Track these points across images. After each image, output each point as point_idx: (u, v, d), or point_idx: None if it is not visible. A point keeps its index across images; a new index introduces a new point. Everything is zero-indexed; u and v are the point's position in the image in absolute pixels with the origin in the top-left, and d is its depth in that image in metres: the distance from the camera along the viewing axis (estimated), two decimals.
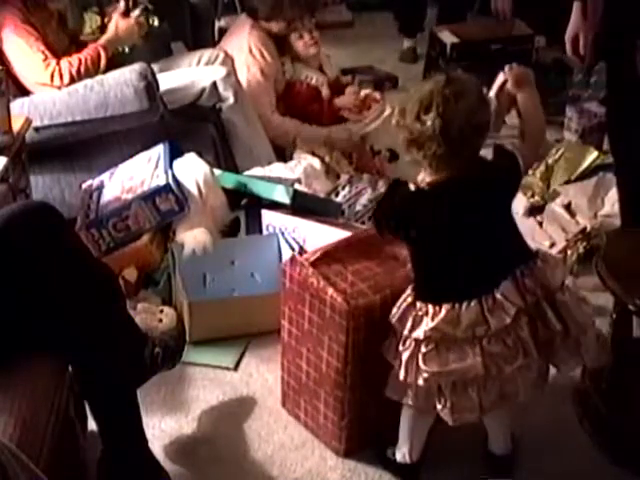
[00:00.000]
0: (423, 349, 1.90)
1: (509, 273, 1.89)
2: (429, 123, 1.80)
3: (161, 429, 2.32)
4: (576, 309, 1.95)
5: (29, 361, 1.84)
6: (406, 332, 1.92)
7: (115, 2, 3.35)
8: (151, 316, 2.63)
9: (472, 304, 1.87)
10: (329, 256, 2.17)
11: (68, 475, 1.95)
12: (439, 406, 1.95)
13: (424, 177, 1.90)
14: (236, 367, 2.56)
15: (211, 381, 2.51)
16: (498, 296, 1.88)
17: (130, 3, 3.30)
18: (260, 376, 2.52)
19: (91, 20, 3.40)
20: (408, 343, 1.93)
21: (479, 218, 1.89)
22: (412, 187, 1.90)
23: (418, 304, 1.92)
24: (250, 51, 3.56)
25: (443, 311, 1.88)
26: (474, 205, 1.88)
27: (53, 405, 1.83)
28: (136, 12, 3.29)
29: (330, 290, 2.06)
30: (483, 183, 1.90)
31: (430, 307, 1.89)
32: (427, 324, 1.89)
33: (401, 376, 1.94)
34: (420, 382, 1.92)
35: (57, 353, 1.91)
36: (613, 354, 2.20)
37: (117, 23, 3.25)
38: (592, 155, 3.44)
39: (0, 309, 1.82)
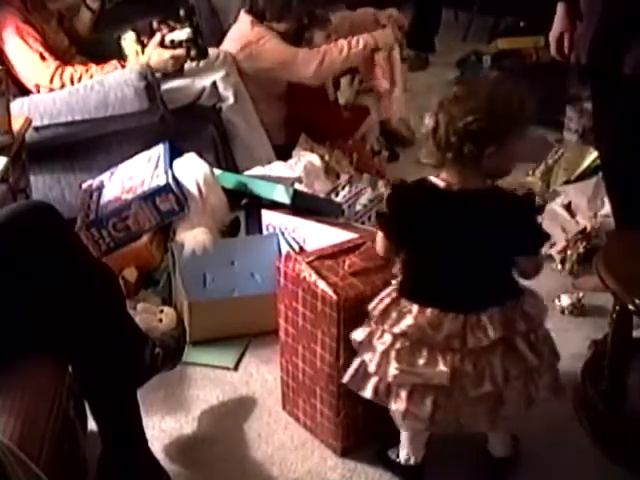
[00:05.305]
0: (398, 345, 1.91)
1: (498, 303, 1.91)
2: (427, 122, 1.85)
3: (161, 429, 2.32)
4: (551, 341, 2.02)
5: (29, 361, 1.84)
6: (386, 327, 1.93)
7: (151, 31, 3.23)
8: (151, 316, 2.64)
9: (458, 317, 1.88)
10: (323, 255, 2.20)
11: (68, 475, 1.94)
12: (393, 406, 1.96)
13: (454, 181, 1.89)
14: (236, 367, 2.56)
15: (211, 381, 2.51)
16: (484, 318, 1.89)
17: (168, 38, 3.17)
18: (260, 376, 2.52)
19: (130, 47, 3.26)
20: (385, 337, 1.94)
21: (488, 236, 1.87)
22: (440, 183, 1.89)
23: (403, 301, 1.93)
24: (257, 41, 3.49)
25: (428, 313, 1.89)
26: (488, 223, 1.86)
27: (53, 405, 1.82)
28: (178, 51, 3.15)
29: (321, 283, 2.07)
30: (500, 209, 1.88)
31: (415, 307, 1.90)
32: (409, 321, 1.90)
33: (372, 368, 1.95)
34: (389, 378, 1.92)
35: (57, 353, 1.91)
36: (613, 354, 2.22)
37: (151, 54, 3.16)
38: (592, 155, 3.44)
39: (0, 309, 1.82)
